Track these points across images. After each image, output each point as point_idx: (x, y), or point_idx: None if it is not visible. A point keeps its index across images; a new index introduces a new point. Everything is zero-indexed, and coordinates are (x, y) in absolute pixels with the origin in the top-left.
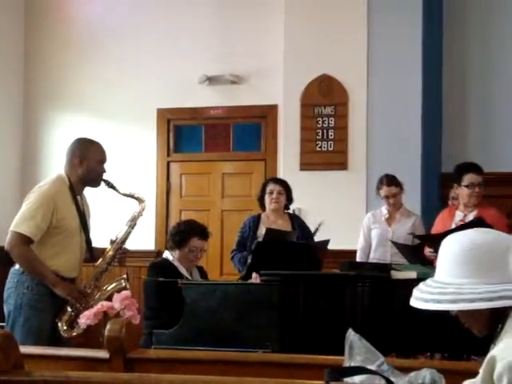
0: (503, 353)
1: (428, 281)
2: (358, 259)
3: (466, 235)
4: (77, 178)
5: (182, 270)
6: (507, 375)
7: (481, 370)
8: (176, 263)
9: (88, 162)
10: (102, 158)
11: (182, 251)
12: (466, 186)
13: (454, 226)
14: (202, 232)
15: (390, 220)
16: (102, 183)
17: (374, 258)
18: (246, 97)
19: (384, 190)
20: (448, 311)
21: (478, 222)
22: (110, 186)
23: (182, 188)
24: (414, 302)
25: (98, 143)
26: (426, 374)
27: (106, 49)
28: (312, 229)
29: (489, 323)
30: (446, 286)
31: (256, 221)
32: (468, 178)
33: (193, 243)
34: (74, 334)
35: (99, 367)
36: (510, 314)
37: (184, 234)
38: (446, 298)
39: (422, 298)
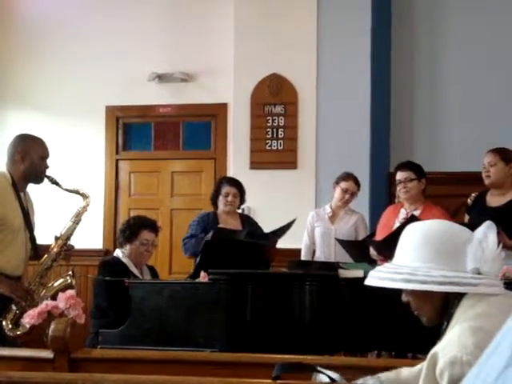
0: (445, 349)
1: (386, 263)
2: (302, 257)
3: (429, 224)
4: (19, 175)
5: (133, 268)
6: (448, 371)
7: (424, 366)
8: (126, 261)
9: (30, 158)
10: (44, 154)
11: (133, 245)
12: (396, 184)
13: (397, 223)
14: (151, 225)
15: (333, 218)
16: (45, 179)
17: (318, 256)
18: (196, 95)
19: (347, 184)
20: (400, 298)
21: (412, 220)
22: (54, 182)
23: (131, 186)
24: (369, 280)
25: (40, 139)
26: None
27: (54, 45)
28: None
29: (439, 311)
30: (403, 267)
31: (213, 218)
32: (397, 176)
33: (143, 236)
34: (19, 332)
35: (43, 367)
36: (461, 303)
37: (134, 227)
38: (400, 277)
39: (378, 276)
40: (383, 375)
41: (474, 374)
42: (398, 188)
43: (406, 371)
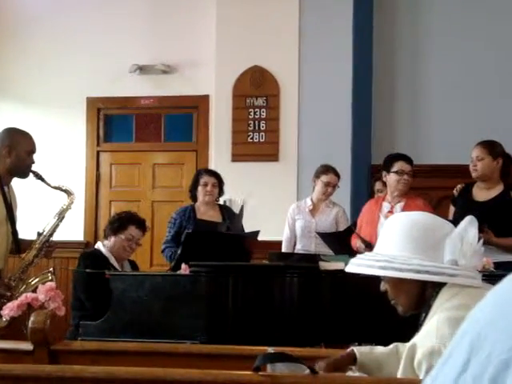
0: (422, 340)
1: (367, 253)
2: (283, 250)
3: (410, 215)
4: (4, 169)
5: (113, 261)
6: (426, 362)
7: (403, 357)
8: (107, 254)
9: (17, 153)
10: (31, 149)
11: (118, 237)
12: (396, 172)
13: (381, 218)
14: (140, 222)
15: (313, 211)
16: (31, 174)
17: (299, 249)
18: (178, 87)
19: (328, 177)
20: (383, 298)
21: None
22: (39, 177)
23: (112, 178)
24: (349, 267)
25: (28, 133)
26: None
27: (34, 35)
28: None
29: (414, 301)
30: (382, 255)
31: (190, 212)
32: (398, 165)
33: (130, 231)
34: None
35: (23, 359)
36: (439, 295)
37: (123, 220)
38: (377, 265)
39: (357, 263)
40: (356, 348)
41: (431, 377)
42: (395, 178)
43: (379, 348)
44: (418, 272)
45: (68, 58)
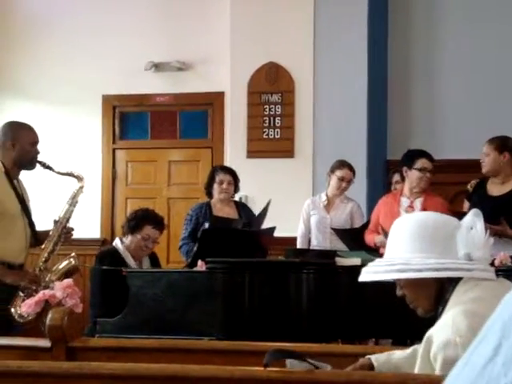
0: (438, 332)
1: (378, 260)
2: (298, 246)
3: (416, 216)
4: (11, 162)
5: (129, 260)
6: (442, 353)
7: (420, 350)
8: (124, 252)
9: (21, 145)
10: (34, 140)
11: (134, 237)
12: (419, 170)
13: (402, 212)
14: (157, 222)
15: (328, 206)
16: (38, 165)
17: (314, 244)
18: (193, 84)
19: (342, 172)
20: (395, 292)
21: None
22: (46, 166)
23: (128, 176)
24: (363, 276)
25: (28, 125)
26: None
27: (51, 34)
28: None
29: (434, 300)
30: (396, 259)
31: (206, 209)
32: (422, 162)
33: (146, 231)
34: (31, 318)
35: (41, 356)
36: (456, 289)
37: (139, 219)
38: (394, 268)
39: (371, 270)
40: (373, 356)
41: (463, 362)
42: (419, 174)
43: (397, 353)
44: (438, 270)
45: (83, 57)
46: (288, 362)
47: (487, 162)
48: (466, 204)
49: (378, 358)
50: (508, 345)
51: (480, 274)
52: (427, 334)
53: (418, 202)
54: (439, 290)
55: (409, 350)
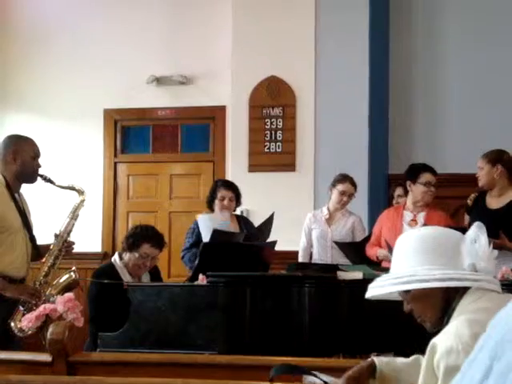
0: (442, 340)
1: (383, 276)
2: (299, 259)
3: (419, 231)
4: (12, 176)
5: (126, 278)
6: (444, 361)
7: (425, 357)
8: (121, 269)
9: (22, 158)
10: (35, 153)
11: (132, 255)
12: (423, 184)
13: (405, 226)
14: (155, 240)
15: (329, 220)
16: (39, 178)
17: (315, 258)
18: (195, 98)
19: (344, 186)
20: (402, 308)
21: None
22: (47, 180)
23: (130, 189)
24: (370, 291)
25: (30, 138)
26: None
27: (52, 48)
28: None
29: (441, 313)
30: (402, 272)
31: None
32: (426, 177)
33: (144, 249)
34: (30, 332)
35: (42, 370)
36: (462, 299)
37: (137, 237)
38: (401, 281)
39: (378, 285)
40: (377, 358)
41: (456, 381)
42: (424, 189)
43: (401, 359)
44: (444, 280)
45: (85, 70)
46: (305, 378)
47: (481, 176)
48: (467, 218)
49: (381, 359)
50: (498, 367)
51: (487, 285)
52: (431, 342)
53: (421, 216)
54: (445, 302)
55: (411, 358)
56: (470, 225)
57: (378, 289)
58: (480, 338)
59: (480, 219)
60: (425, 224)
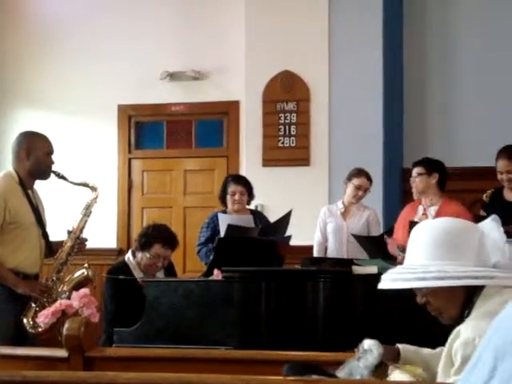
0: (464, 330)
1: (398, 267)
2: (314, 254)
3: (436, 222)
4: (26, 172)
5: (139, 275)
6: (461, 351)
7: (447, 342)
8: (133, 267)
9: (35, 154)
10: (49, 150)
11: (144, 254)
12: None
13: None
14: (167, 240)
15: (345, 214)
16: (52, 175)
17: (331, 252)
18: (208, 93)
19: (359, 180)
20: (415, 300)
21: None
22: (61, 176)
23: (144, 185)
24: (382, 284)
25: (43, 135)
26: (364, 342)
27: (66, 44)
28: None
29: (461, 308)
30: (415, 266)
31: None
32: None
33: (155, 250)
34: (41, 329)
35: (58, 366)
36: (482, 293)
37: (149, 237)
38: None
39: (401, 278)
40: (401, 345)
41: (462, 381)
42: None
43: (427, 349)
44: (476, 278)
45: (99, 66)
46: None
47: (506, 178)
48: (483, 214)
49: (406, 347)
50: (503, 367)
51: (501, 281)
52: (456, 329)
53: (433, 210)
54: (467, 297)
55: (437, 349)
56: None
57: (389, 282)
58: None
59: (498, 213)
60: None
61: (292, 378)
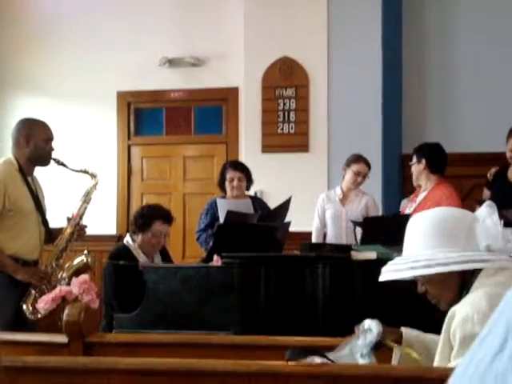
0: (460, 309)
1: (396, 258)
2: (313, 240)
3: (431, 212)
4: (25, 159)
5: (141, 257)
6: (460, 329)
7: (444, 325)
8: (135, 250)
9: (35, 141)
10: (48, 136)
11: (145, 235)
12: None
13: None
14: (165, 216)
15: (343, 200)
16: (52, 161)
17: (329, 238)
18: (207, 79)
19: (358, 166)
20: (416, 288)
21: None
22: (60, 163)
23: (144, 171)
24: (386, 275)
25: (42, 121)
26: (365, 322)
27: (64, 30)
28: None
29: (458, 293)
30: (419, 255)
31: None
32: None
33: (156, 227)
34: (40, 316)
35: (58, 352)
36: (480, 275)
37: (147, 217)
38: (420, 264)
39: (394, 269)
40: (404, 328)
41: (469, 357)
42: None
43: (430, 335)
44: (465, 262)
45: (97, 53)
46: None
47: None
48: (487, 192)
49: (409, 331)
50: None
51: (505, 263)
52: (451, 310)
53: (423, 195)
54: (462, 282)
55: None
56: (492, 198)
57: (393, 273)
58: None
59: (501, 193)
60: (419, 205)
61: (293, 362)
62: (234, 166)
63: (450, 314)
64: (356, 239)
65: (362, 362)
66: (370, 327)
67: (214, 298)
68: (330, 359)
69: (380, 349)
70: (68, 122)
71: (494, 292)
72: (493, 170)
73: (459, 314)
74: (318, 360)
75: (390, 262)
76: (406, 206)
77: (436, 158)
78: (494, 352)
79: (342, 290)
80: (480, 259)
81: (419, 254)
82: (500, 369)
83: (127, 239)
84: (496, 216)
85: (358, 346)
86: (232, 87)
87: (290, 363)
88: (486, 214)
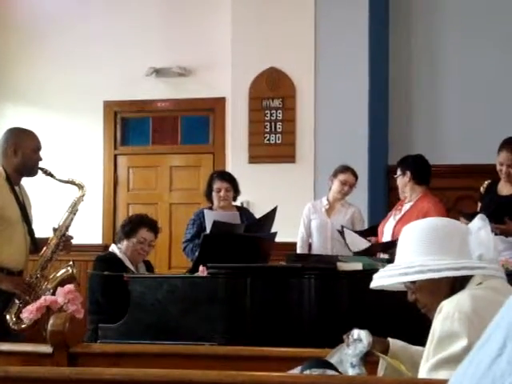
0: (445, 306)
1: (389, 265)
2: (298, 250)
3: (424, 221)
4: (13, 169)
5: (128, 264)
6: (439, 327)
7: (434, 320)
8: (122, 256)
9: (23, 151)
10: (37, 146)
11: (130, 241)
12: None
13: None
14: (151, 224)
15: (329, 211)
16: (39, 172)
17: (315, 249)
18: (194, 89)
19: (345, 176)
20: (406, 297)
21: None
22: (48, 173)
23: (130, 181)
24: (378, 281)
25: (31, 131)
26: (354, 331)
27: (52, 40)
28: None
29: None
30: (412, 262)
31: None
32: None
33: (142, 234)
34: (24, 326)
35: (42, 362)
36: (470, 281)
37: (134, 224)
38: (413, 270)
39: (387, 275)
40: (392, 340)
41: (468, 361)
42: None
43: (416, 347)
44: (457, 269)
45: (84, 63)
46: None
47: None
48: (480, 205)
49: (395, 342)
50: None
51: (495, 273)
52: (440, 305)
53: (408, 205)
54: (453, 290)
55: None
56: (481, 211)
57: (386, 278)
58: (480, 311)
59: (490, 205)
60: (404, 215)
61: (275, 373)
62: (221, 177)
63: (438, 308)
64: (348, 247)
65: (352, 372)
66: (360, 337)
67: (200, 309)
68: (339, 372)
69: (367, 359)
70: (54, 131)
71: (480, 294)
72: (486, 183)
73: (443, 309)
74: (329, 373)
75: (381, 269)
76: (391, 215)
77: (420, 169)
78: (494, 356)
79: (327, 300)
80: (472, 266)
81: (412, 260)
82: (498, 372)
83: (113, 248)
84: (488, 228)
85: (348, 356)
86: (219, 97)
87: (276, 374)
88: (480, 225)
